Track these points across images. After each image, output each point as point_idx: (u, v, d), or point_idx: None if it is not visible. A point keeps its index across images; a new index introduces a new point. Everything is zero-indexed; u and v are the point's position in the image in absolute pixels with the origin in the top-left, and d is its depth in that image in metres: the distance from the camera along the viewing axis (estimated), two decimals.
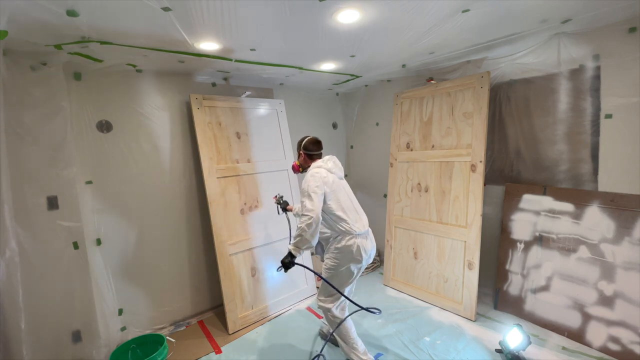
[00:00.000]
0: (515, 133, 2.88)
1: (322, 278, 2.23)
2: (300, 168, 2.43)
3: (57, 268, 2.29)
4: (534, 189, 2.71)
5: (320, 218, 2.01)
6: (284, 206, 2.75)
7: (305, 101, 4.04)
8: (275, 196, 2.76)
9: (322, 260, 2.34)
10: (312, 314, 3.06)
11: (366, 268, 3.98)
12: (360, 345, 2.25)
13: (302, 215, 2.01)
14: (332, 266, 2.20)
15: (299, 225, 2.00)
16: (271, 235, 3.20)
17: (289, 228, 2.92)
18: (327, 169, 2.20)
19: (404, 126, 3.47)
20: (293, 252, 2.04)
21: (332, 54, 2.61)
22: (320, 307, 2.29)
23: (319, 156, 2.37)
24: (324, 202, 2.09)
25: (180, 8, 1.63)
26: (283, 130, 3.51)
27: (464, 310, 2.85)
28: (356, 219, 2.20)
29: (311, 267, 2.33)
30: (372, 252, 2.27)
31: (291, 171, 3.47)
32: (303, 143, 2.38)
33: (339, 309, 2.25)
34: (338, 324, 2.21)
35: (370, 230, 2.31)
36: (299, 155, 2.42)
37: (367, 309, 2.15)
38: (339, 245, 2.15)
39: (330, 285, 2.18)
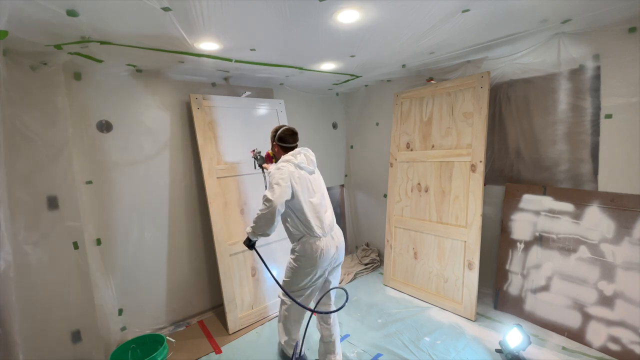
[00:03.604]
0: (515, 133, 2.88)
1: (275, 280, 2.20)
2: (274, 159, 2.28)
3: (57, 268, 2.29)
4: (534, 189, 2.71)
5: (279, 210, 1.91)
6: (260, 162, 2.55)
7: (305, 101, 4.04)
8: (253, 150, 2.56)
9: None
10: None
11: (366, 268, 3.99)
12: (294, 334, 2.23)
13: (262, 204, 1.94)
14: (292, 267, 2.11)
15: (257, 213, 1.98)
16: (271, 236, 3.19)
17: (265, 185, 2.61)
18: (295, 164, 2.05)
19: (404, 126, 3.47)
20: (250, 235, 2.05)
21: (332, 54, 2.61)
22: (280, 298, 2.26)
23: (295, 148, 2.20)
24: (291, 197, 1.98)
25: (180, 8, 1.63)
26: None
27: (464, 310, 2.85)
28: (320, 218, 2.07)
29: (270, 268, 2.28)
30: (339, 254, 2.15)
31: None
32: (278, 133, 2.19)
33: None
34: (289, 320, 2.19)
35: (337, 229, 2.18)
36: (273, 145, 2.25)
37: (320, 312, 2.13)
38: (299, 247, 2.06)
39: (281, 288, 2.14)
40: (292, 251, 2.14)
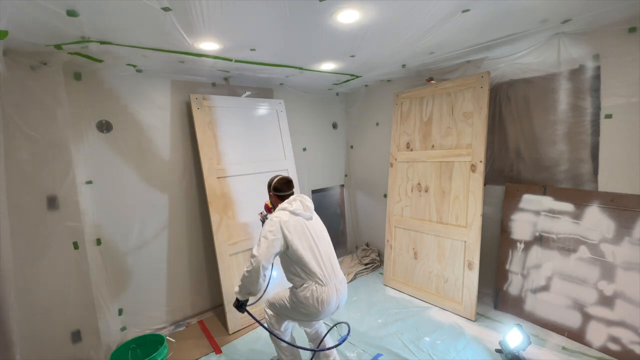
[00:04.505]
0: (515, 133, 2.88)
1: (267, 329, 2.13)
2: (272, 208, 2.28)
3: (57, 268, 2.29)
4: (534, 189, 2.71)
5: (264, 266, 1.88)
6: None
7: (305, 101, 4.04)
8: (261, 213, 2.61)
9: None
10: None
11: (366, 268, 3.99)
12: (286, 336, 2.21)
13: (249, 259, 1.92)
14: (290, 303, 2.05)
15: (244, 271, 1.93)
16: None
17: None
18: (290, 211, 2.03)
19: (404, 126, 3.47)
20: (237, 296, 1.99)
21: (332, 54, 2.61)
22: (266, 313, 2.23)
23: (290, 196, 2.20)
24: (286, 247, 1.94)
25: (180, 8, 1.63)
26: (283, 130, 3.51)
27: (464, 310, 2.85)
28: (320, 265, 1.99)
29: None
30: (341, 301, 2.07)
31: (291, 172, 3.49)
32: (272, 183, 2.22)
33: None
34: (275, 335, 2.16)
35: (340, 276, 2.10)
36: (270, 195, 2.27)
37: (320, 350, 2.11)
38: (301, 295, 1.97)
39: (272, 334, 2.13)
40: (293, 292, 2.04)
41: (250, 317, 2.09)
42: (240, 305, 2.03)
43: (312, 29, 2.04)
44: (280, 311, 2.12)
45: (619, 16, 2.14)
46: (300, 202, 2.11)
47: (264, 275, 1.91)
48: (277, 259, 2.03)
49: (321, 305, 1.94)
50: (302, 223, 2.04)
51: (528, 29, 2.31)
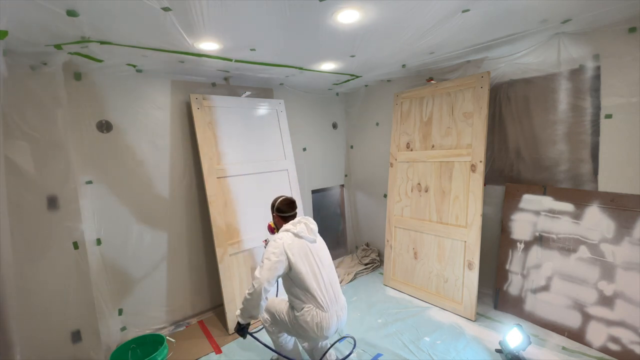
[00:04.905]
0: (515, 133, 2.88)
1: (276, 352, 2.16)
2: (275, 229, 2.29)
3: (57, 268, 2.29)
4: (534, 189, 2.71)
5: (266, 288, 1.87)
6: None
7: (305, 101, 4.04)
8: (265, 240, 2.59)
9: None
10: None
11: (366, 268, 3.99)
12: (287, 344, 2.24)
13: (251, 282, 1.90)
14: (291, 322, 2.05)
15: (245, 294, 1.92)
16: (271, 235, 3.20)
17: None
18: (294, 233, 2.03)
19: (404, 126, 3.47)
20: (239, 319, 1.96)
21: (332, 54, 2.61)
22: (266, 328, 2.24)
23: (294, 217, 2.22)
24: (289, 269, 1.94)
25: (180, 8, 1.62)
26: (283, 130, 3.51)
27: (464, 310, 2.85)
28: (322, 288, 1.99)
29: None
30: (340, 326, 2.08)
31: (291, 172, 3.49)
32: (276, 204, 2.23)
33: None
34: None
35: (342, 301, 2.11)
36: (273, 217, 2.28)
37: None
38: (301, 318, 1.97)
39: (280, 355, 2.17)
40: (294, 314, 2.03)
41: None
42: (242, 329, 1.98)
43: (312, 29, 2.04)
44: (279, 324, 2.13)
45: (619, 16, 2.14)
46: (304, 224, 2.11)
47: (266, 299, 1.90)
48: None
49: (320, 331, 1.96)
50: (305, 246, 2.04)
51: (528, 29, 2.31)
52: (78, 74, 2.45)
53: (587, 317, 2.38)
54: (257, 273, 1.89)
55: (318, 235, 2.18)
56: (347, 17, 1.87)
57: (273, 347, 2.19)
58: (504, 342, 2.31)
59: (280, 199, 2.25)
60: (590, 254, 2.38)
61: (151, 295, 2.87)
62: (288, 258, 1.93)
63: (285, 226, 2.10)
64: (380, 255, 4.23)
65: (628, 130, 2.25)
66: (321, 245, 2.17)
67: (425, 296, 3.17)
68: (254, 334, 2.09)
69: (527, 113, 2.77)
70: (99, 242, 2.58)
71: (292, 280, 1.98)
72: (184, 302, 3.08)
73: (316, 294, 1.95)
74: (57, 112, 2.26)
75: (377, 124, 4.10)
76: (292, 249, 1.95)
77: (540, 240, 2.65)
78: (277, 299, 2.22)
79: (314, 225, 2.16)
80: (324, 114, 4.29)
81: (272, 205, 2.26)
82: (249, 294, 1.89)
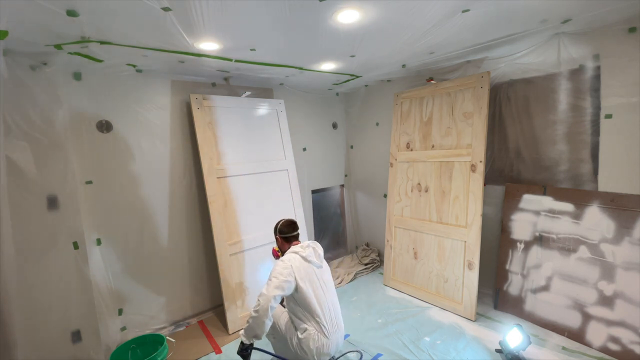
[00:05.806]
0: (515, 133, 2.88)
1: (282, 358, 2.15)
2: (280, 253, 2.31)
3: (57, 268, 2.29)
4: (534, 189, 2.71)
5: (272, 306, 1.86)
6: None
7: (305, 101, 4.04)
8: (275, 249, 2.60)
9: None
10: None
11: (366, 268, 3.99)
12: None
13: (257, 298, 1.89)
14: (288, 341, 2.08)
15: (251, 312, 1.90)
16: (271, 235, 3.19)
17: None
18: (303, 257, 2.06)
19: (404, 126, 3.47)
20: (243, 339, 1.92)
21: (332, 54, 2.61)
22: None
23: (296, 238, 2.27)
24: (295, 290, 1.97)
25: (180, 8, 1.62)
26: (283, 130, 3.51)
27: (464, 310, 2.84)
28: (325, 314, 2.03)
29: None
30: (336, 349, 2.12)
31: (291, 172, 3.49)
32: (278, 227, 2.28)
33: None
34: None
35: (341, 328, 2.14)
36: (276, 239, 2.31)
37: None
38: (301, 338, 2.00)
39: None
40: (296, 336, 2.05)
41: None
42: (245, 350, 1.92)
43: (312, 29, 2.04)
44: (278, 336, 2.15)
45: (618, 16, 2.14)
46: (313, 249, 2.14)
47: (270, 317, 1.88)
48: None
49: (318, 357, 2.01)
50: (312, 271, 2.07)
51: (528, 29, 2.31)
52: (78, 74, 2.45)
53: (587, 317, 2.38)
54: (264, 290, 1.90)
55: (324, 260, 2.22)
56: (347, 17, 1.87)
57: (277, 354, 2.21)
58: (504, 342, 2.31)
59: (282, 221, 2.31)
60: (590, 254, 2.38)
61: (151, 295, 2.87)
62: (296, 280, 1.96)
63: (294, 248, 2.13)
64: (380, 255, 4.23)
65: (628, 130, 2.25)
66: (327, 272, 2.22)
67: (425, 296, 3.17)
68: (259, 348, 2.09)
69: (527, 113, 2.77)
70: (99, 242, 2.58)
71: (296, 300, 2.02)
72: (184, 302, 3.08)
73: (320, 320, 2.00)
74: (57, 112, 2.26)
75: (377, 124, 4.10)
76: (299, 271, 2.00)
77: (540, 240, 2.65)
78: (279, 308, 2.22)
79: (321, 251, 2.20)
80: (324, 114, 4.29)
81: (275, 229, 2.31)
82: (255, 311, 1.87)
